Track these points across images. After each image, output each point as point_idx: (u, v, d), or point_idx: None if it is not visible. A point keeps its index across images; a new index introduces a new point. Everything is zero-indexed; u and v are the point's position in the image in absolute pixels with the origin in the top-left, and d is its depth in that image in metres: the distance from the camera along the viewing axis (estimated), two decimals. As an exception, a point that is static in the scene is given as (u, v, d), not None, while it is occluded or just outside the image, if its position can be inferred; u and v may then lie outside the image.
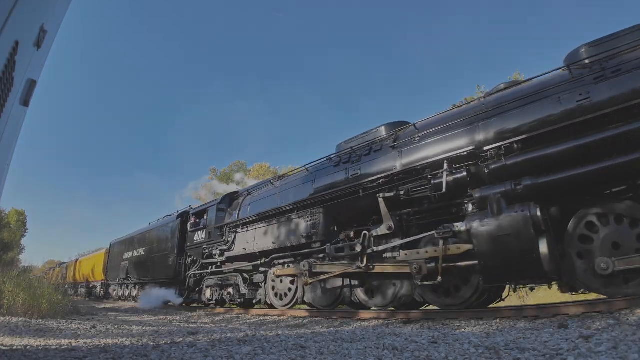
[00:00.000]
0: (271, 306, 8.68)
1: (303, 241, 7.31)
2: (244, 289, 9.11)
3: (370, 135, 7.11)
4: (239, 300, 9.27)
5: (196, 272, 11.09)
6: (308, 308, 8.44)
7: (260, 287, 8.88)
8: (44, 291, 7.42)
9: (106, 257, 20.46)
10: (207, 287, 10.63)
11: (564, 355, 2.18)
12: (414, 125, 6.24)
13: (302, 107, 77.23)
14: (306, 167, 8.09)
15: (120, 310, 12.88)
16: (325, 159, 7.76)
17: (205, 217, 11.15)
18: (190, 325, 6.20)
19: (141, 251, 15.02)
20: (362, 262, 6.04)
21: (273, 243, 8.04)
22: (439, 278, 5.00)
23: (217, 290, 10.21)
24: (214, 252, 10.11)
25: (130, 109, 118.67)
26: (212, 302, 10.53)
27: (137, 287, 15.69)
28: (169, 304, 12.86)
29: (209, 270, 10.50)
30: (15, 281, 7.20)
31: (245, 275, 9.25)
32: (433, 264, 5.13)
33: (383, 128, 6.99)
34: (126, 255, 16.53)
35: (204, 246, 10.65)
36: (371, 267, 6.01)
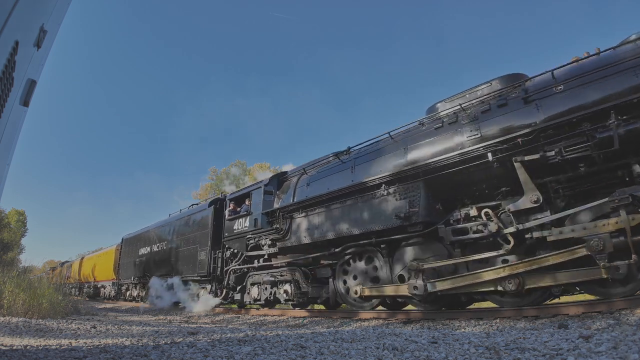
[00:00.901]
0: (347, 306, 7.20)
1: (395, 224, 5.85)
2: (304, 286, 7.54)
3: (478, 92, 5.95)
4: (300, 300, 7.65)
5: (238, 267, 9.45)
6: (308, 308, 8.43)
7: (327, 284, 7.34)
8: (44, 291, 7.42)
9: (117, 254, 18.76)
10: (254, 284, 8.98)
11: (564, 355, 2.18)
12: (552, 73, 5.01)
13: (301, 105, 77.24)
14: (390, 133, 6.62)
15: (120, 310, 12.88)
16: (416, 123, 6.49)
17: (247, 203, 9.63)
18: (190, 325, 6.20)
19: (162, 246, 13.40)
20: (507, 244, 4.85)
21: (347, 229, 6.59)
22: (634, 256, 3.93)
23: (266, 288, 8.57)
24: (261, 243, 8.55)
25: (131, 109, 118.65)
26: (259, 301, 8.78)
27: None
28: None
29: (255, 264, 8.86)
30: (16, 281, 7.21)
31: (304, 269, 7.75)
32: (621, 238, 4.04)
33: (496, 82, 5.81)
34: (142, 251, 15.00)
35: (249, 236, 9.00)
36: (523, 250, 4.84)
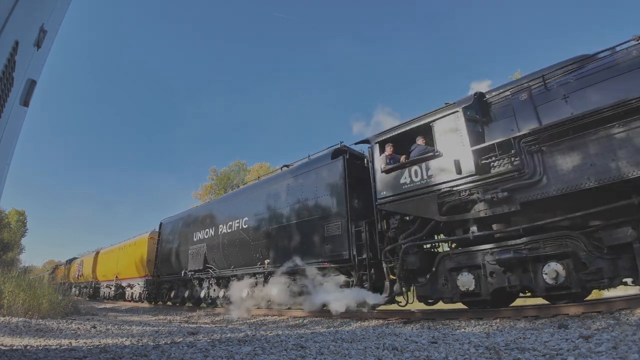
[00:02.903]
0: None
1: None
2: (593, 261, 4.44)
3: None
4: (590, 284, 4.52)
5: (421, 242, 6.05)
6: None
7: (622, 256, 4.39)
8: (44, 291, 7.43)
9: (152, 244, 15.12)
10: (459, 268, 5.48)
11: (564, 355, 2.18)
12: None
13: (299, 105, 77.16)
14: None
15: (120, 310, 12.87)
16: None
17: (420, 142, 6.36)
18: (190, 325, 6.20)
19: (241, 225, 9.62)
20: None
21: None
22: None
23: (494, 275, 5.16)
24: (476, 198, 5.34)
25: (131, 109, 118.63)
26: (474, 295, 5.34)
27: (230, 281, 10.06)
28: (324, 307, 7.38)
29: (468, 235, 5.46)
30: (16, 281, 7.21)
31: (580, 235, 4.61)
32: None
33: None
34: (199, 236, 11.40)
35: (444, 189, 5.71)
36: None
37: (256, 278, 9.02)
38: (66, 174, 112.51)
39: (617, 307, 4.19)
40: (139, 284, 16.07)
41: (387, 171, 6.54)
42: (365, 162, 7.89)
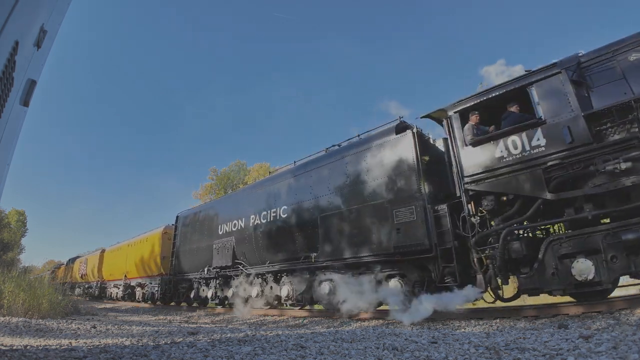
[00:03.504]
0: None
1: None
2: None
3: None
4: None
5: (530, 225, 5.19)
6: (308, 308, 8.40)
7: None
8: (44, 291, 7.43)
9: (166, 240, 14.08)
10: (579, 253, 4.59)
11: (564, 355, 2.18)
12: None
13: (295, 107, 77.10)
14: None
15: (120, 310, 12.87)
16: None
17: (514, 109, 5.58)
18: (190, 325, 6.20)
19: (281, 213, 8.36)
20: None
21: None
22: None
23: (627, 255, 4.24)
24: (593, 170, 4.63)
25: (131, 109, 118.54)
26: (593, 285, 4.47)
27: (269, 277, 8.79)
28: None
29: (585, 214, 4.63)
30: (16, 281, 7.21)
31: None
32: None
33: None
34: (226, 229, 10.10)
35: (552, 161, 4.94)
36: None
37: (301, 275, 7.88)
38: (66, 174, 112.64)
39: (617, 307, 4.19)
40: (151, 283, 14.92)
41: (475, 143, 5.58)
42: (431, 140, 7.09)
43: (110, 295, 19.25)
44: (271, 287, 8.60)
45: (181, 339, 3.47)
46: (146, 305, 14.94)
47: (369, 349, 2.68)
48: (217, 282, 10.37)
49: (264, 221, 8.84)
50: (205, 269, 10.59)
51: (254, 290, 8.89)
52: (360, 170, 7.11)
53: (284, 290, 8.16)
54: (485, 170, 5.45)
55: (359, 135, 7.97)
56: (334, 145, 8.52)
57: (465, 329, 4.54)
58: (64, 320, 6.03)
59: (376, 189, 6.72)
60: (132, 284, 16.85)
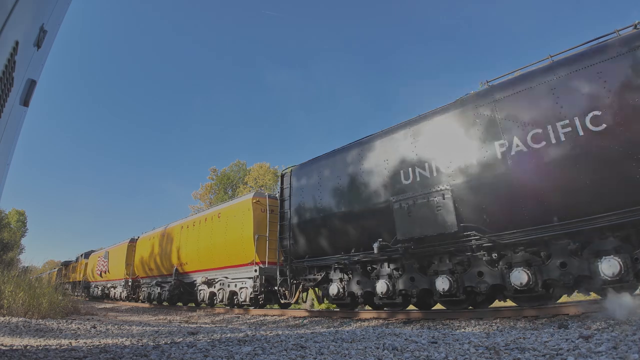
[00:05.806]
0: None
1: None
2: None
3: None
4: None
5: None
6: (308, 308, 8.42)
7: None
8: (44, 291, 7.43)
9: (259, 212, 9.87)
10: None
11: (564, 355, 2.18)
12: None
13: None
14: None
15: (120, 310, 12.87)
16: None
17: None
18: (190, 325, 6.20)
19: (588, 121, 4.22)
20: None
21: None
22: None
23: None
24: None
25: (131, 108, 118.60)
26: None
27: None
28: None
29: None
30: (16, 281, 7.22)
31: None
32: None
33: None
34: (426, 173, 5.84)
35: None
36: None
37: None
38: (66, 174, 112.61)
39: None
40: (242, 279, 10.02)
41: None
42: None
43: (147, 297, 15.00)
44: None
45: (181, 339, 3.47)
46: (146, 305, 14.86)
47: (369, 349, 2.68)
48: (402, 263, 6.26)
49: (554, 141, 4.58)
50: (375, 245, 6.14)
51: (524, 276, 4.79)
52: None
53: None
54: None
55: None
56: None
57: (465, 329, 4.54)
58: (64, 320, 6.03)
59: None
60: (193, 278, 12.02)
